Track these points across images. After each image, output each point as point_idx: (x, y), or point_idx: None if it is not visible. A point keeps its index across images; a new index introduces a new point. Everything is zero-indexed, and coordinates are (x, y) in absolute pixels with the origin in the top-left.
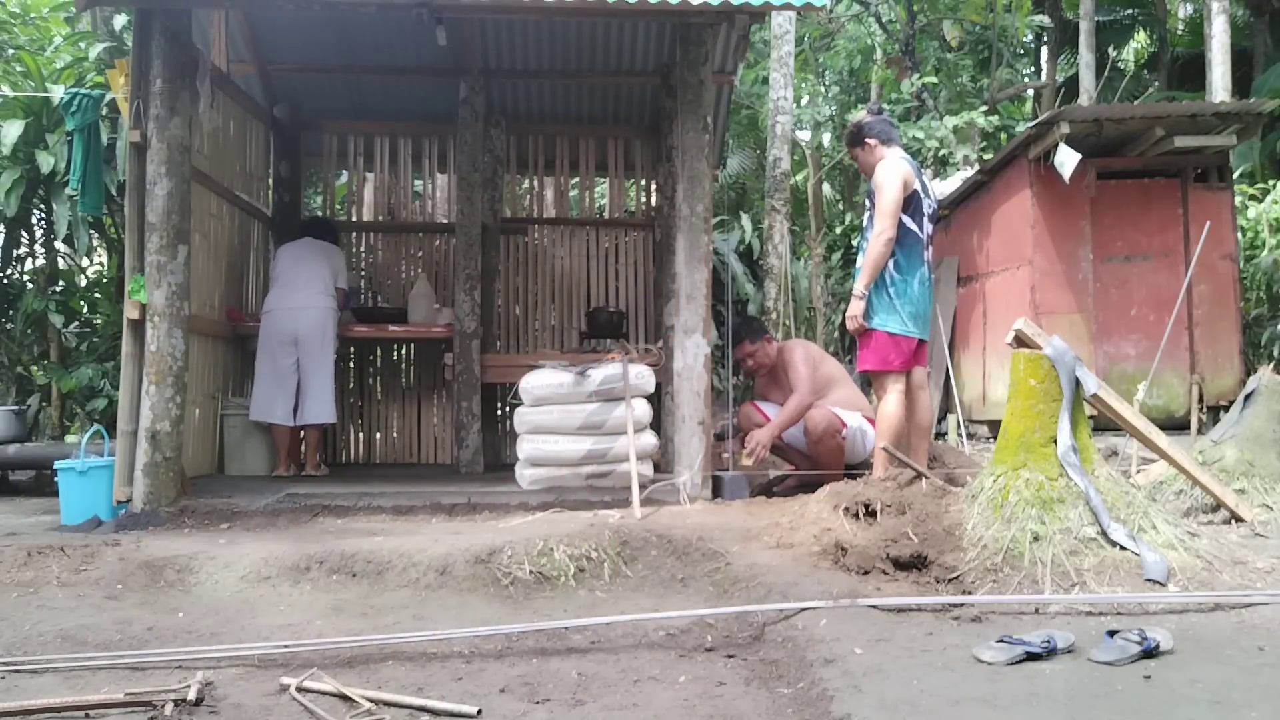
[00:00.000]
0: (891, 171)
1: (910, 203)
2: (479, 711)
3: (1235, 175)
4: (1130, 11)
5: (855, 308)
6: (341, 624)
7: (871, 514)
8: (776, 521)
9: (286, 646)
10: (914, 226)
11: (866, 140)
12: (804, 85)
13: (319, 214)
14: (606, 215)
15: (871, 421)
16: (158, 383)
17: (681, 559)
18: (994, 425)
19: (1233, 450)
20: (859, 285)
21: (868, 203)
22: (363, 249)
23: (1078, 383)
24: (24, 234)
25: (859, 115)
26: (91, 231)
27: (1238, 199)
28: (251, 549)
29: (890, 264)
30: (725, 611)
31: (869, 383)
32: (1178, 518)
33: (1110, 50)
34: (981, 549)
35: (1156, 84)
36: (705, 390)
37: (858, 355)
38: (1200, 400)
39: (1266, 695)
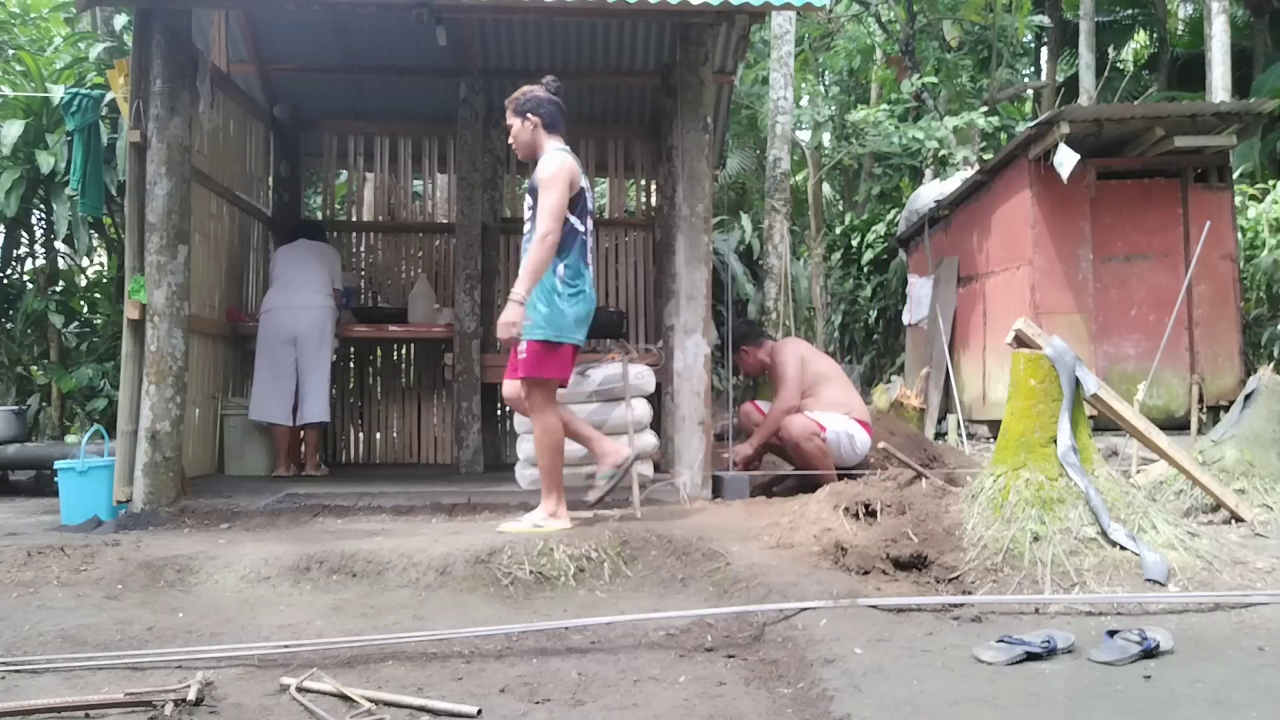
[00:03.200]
0: (556, 168)
1: (577, 202)
2: (479, 711)
3: (1235, 175)
4: (1130, 11)
5: (513, 313)
6: (341, 624)
7: (871, 514)
8: (776, 521)
9: (286, 646)
10: (580, 227)
11: (529, 115)
12: (804, 85)
13: (309, 216)
14: (606, 215)
15: (863, 424)
16: (158, 383)
17: (681, 559)
18: (994, 425)
19: (1233, 450)
20: (519, 290)
21: (529, 200)
22: (363, 249)
23: (1078, 383)
24: (24, 234)
25: (532, 87)
26: (91, 231)
27: (1238, 199)
28: (251, 549)
29: (560, 267)
30: (725, 611)
31: (870, 381)
32: (1178, 518)
33: (1110, 50)
34: (981, 549)
35: (1156, 84)
36: (705, 390)
37: (511, 363)
38: (1200, 400)
39: (1266, 695)
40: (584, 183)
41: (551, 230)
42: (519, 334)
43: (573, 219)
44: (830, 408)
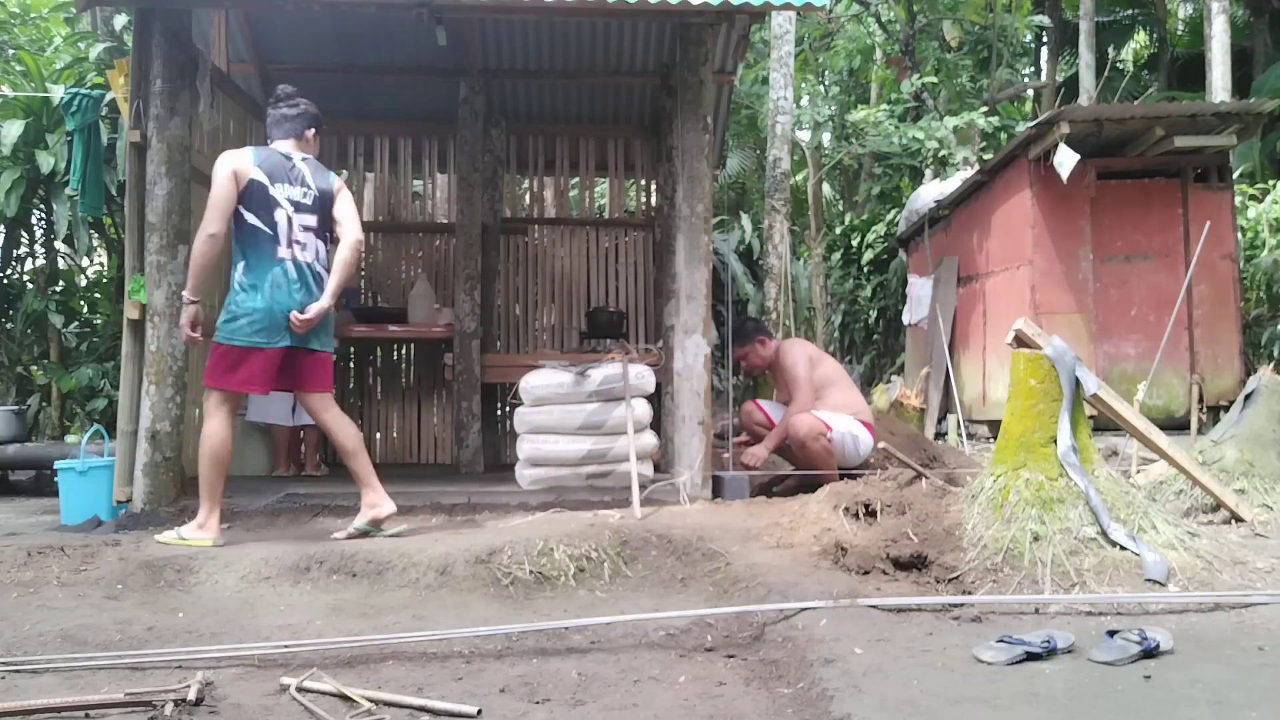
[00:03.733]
0: (216, 166)
1: (250, 195)
2: (479, 711)
3: (1235, 175)
4: (1130, 11)
5: (183, 315)
6: (341, 624)
7: (871, 514)
8: (776, 521)
9: (286, 646)
10: (258, 221)
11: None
12: (804, 85)
13: None
14: (606, 215)
15: (866, 425)
16: (158, 383)
17: (681, 559)
18: (994, 425)
19: (1233, 450)
20: (186, 290)
21: None
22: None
23: (1078, 383)
24: (24, 234)
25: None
26: (91, 231)
27: (1238, 199)
28: (251, 549)
29: (240, 266)
30: (725, 611)
31: (870, 381)
32: (1178, 518)
33: (1110, 50)
34: (981, 549)
35: (1156, 84)
36: (705, 390)
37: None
38: (1200, 400)
39: (1266, 695)
40: (258, 174)
41: (209, 222)
42: (195, 335)
43: (246, 214)
44: (836, 409)
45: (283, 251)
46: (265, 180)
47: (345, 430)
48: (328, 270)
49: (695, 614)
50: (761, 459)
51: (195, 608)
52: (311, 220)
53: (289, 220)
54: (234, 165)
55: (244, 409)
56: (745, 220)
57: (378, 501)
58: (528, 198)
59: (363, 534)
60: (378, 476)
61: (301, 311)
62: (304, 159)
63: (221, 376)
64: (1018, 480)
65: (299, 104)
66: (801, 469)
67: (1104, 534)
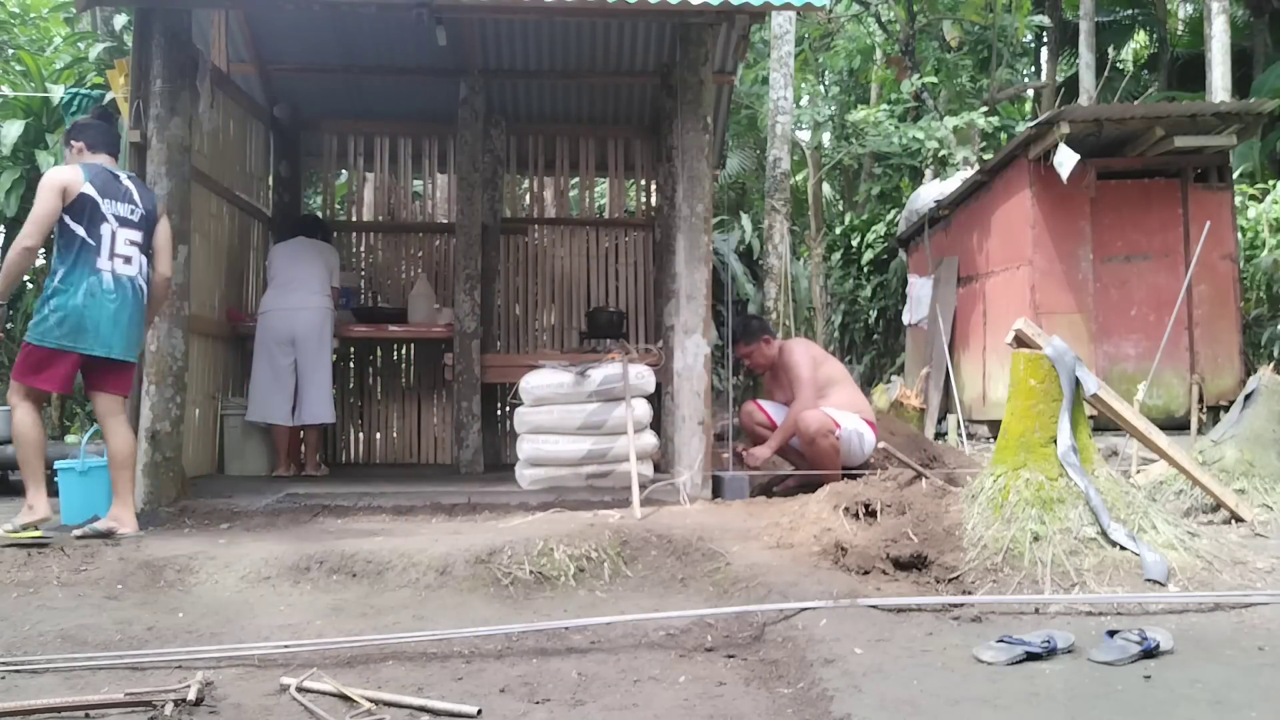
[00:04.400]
0: (45, 180)
1: (80, 208)
2: (479, 711)
3: (1235, 175)
4: (1130, 11)
5: None
6: (341, 624)
7: (871, 514)
8: (776, 521)
9: (286, 646)
10: (83, 233)
11: (72, 142)
12: (804, 85)
13: (313, 212)
14: (606, 215)
15: (870, 424)
16: (158, 383)
17: (681, 559)
18: (994, 425)
19: (1233, 450)
20: None
21: None
22: (363, 249)
23: (1078, 383)
24: None
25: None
26: None
27: (1238, 199)
28: (251, 549)
29: (60, 272)
30: (725, 611)
31: (870, 381)
32: (1178, 518)
33: (1110, 50)
34: (981, 549)
35: (1156, 84)
36: (705, 390)
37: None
38: (1200, 400)
39: (1266, 695)
40: (89, 190)
41: (27, 235)
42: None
43: (73, 224)
44: (842, 408)
45: (103, 263)
46: (96, 196)
47: (122, 438)
48: (149, 283)
49: (695, 614)
50: (764, 459)
51: (195, 608)
52: (137, 236)
53: (113, 235)
54: (63, 182)
55: (244, 408)
56: (745, 220)
57: (120, 515)
58: (528, 198)
59: (98, 535)
60: (378, 476)
61: (114, 320)
62: (129, 176)
63: (26, 374)
64: (1018, 480)
65: (111, 125)
66: (802, 469)
67: (1104, 534)
